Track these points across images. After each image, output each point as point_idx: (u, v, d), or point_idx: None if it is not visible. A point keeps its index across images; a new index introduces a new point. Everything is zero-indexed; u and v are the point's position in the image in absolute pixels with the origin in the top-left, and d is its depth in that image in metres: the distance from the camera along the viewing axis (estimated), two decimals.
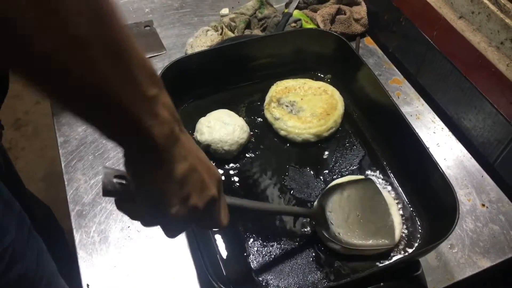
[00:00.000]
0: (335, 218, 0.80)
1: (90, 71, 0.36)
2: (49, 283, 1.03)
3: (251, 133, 0.98)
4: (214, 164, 0.92)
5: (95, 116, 0.40)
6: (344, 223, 0.80)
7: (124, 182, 0.50)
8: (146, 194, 0.48)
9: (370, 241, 0.79)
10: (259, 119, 1.02)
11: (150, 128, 0.41)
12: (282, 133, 0.97)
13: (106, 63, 0.37)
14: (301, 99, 1.01)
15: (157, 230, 0.85)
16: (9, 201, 0.89)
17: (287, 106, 0.99)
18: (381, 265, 0.78)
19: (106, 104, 0.38)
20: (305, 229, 0.83)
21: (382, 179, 0.91)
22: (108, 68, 0.37)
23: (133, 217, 0.54)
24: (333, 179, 0.90)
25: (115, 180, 0.50)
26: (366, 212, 0.82)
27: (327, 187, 0.86)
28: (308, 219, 0.83)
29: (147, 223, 0.55)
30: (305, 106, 0.99)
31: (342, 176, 0.91)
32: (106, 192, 0.50)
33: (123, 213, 0.54)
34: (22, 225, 0.95)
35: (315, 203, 0.83)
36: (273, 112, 0.98)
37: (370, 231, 0.80)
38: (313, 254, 0.80)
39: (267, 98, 1.02)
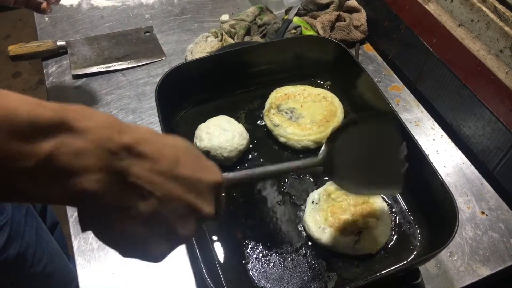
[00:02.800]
0: (343, 163, 0.69)
1: None
2: (51, 262, 1.04)
3: (251, 139, 0.97)
4: None
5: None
6: (352, 169, 0.70)
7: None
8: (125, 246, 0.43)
9: (377, 189, 0.75)
10: (259, 125, 1.02)
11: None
12: (282, 139, 0.97)
13: None
14: (301, 105, 1.01)
15: None
16: None
17: (286, 112, 0.99)
18: (380, 273, 0.78)
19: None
20: (304, 236, 0.83)
21: None
22: None
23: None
24: None
25: None
26: (378, 157, 0.72)
27: (335, 131, 0.70)
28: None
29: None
30: (305, 113, 0.99)
31: None
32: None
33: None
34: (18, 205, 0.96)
35: (322, 148, 0.70)
36: (273, 119, 0.98)
37: (379, 178, 0.72)
38: (313, 262, 0.80)
39: (267, 105, 1.03)
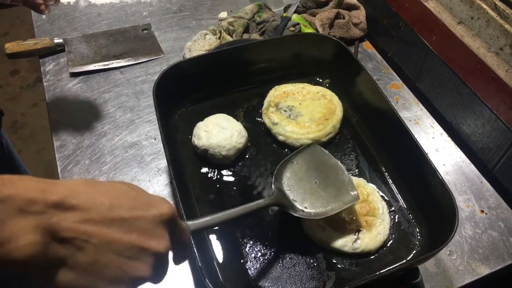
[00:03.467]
0: (296, 194, 0.78)
1: None
2: None
3: (249, 138, 0.97)
4: (210, 170, 0.92)
5: None
6: (306, 196, 0.78)
7: None
8: None
9: (337, 204, 0.78)
10: (257, 124, 1.01)
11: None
12: (281, 138, 0.96)
13: None
14: (300, 104, 1.00)
15: None
16: None
17: (285, 111, 0.99)
18: (380, 272, 0.77)
19: None
20: (303, 234, 0.83)
21: (381, 185, 0.90)
22: None
23: None
24: None
25: None
26: (322, 177, 0.82)
27: (276, 169, 0.81)
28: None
29: None
30: (304, 111, 0.99)
31: None
32: None
33: None
34: None
35: (272, 188, 0.78)
36: (271, 117, 0.98)
37: (332, 194, 0.79)
38: (311, 261, 0.79)
39: (265, 103, 1.02)
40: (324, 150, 0.86)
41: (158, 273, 0.44)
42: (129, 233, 0.41)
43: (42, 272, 0.38)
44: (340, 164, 0.85)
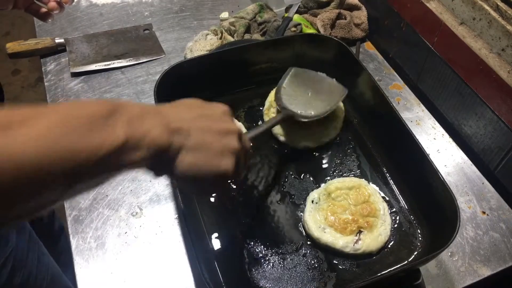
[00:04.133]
0: (299, 107, 0.93)
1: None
2: (52, 284, 1.04)
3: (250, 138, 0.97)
4: None
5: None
6: (307, 105, 0.94)
7: None
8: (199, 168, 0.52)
9: (333, 101, 0.95)
10: (259, 124, 1.01)
11: (81, 152, 0.41)
12: (282, 138, 0.96)
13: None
14: None
15: (154, 236, 0.85)
16: None
17: None
18: (381, 274, 0.77)
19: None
20: (304, 235, 0.83)
21: (382, 186, 0.90)
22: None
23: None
24: None
25: None
26: (312, 88, 0.97)
27: (274, 98, 0.96)
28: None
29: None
30: None
31: None
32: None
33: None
34: (22, 231, 0.96)
35: (270, 113, 0.97)
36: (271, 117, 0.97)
37: (327, 96, 0.96)
38: (312, 262, 0.79)
39: (267, 103, 1.02)
40: (303, 68, 1.00)
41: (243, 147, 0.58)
42: (213, 122, 0.55)
43: (170, 159, 0.50)
44: (320, 73, 1.00)
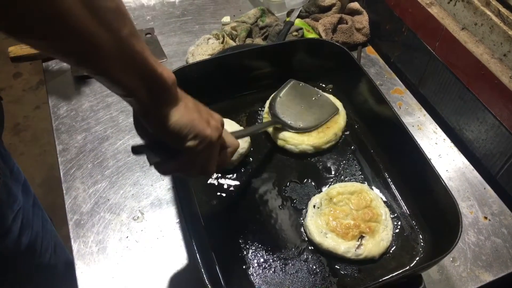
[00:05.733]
0: (289, 118, 0.97)
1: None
2: (54, 251, 1.08)
3: (252, 142, 0.97)
4: (213, 176, 0.92)
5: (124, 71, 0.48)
6: (298, 117, 0.97)
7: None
8: (178, 133, 0.56)
9: (324, 117, 0.98)
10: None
11: (162, 73, 0.51)
12: (280, 143, 0.96)
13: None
14: None
15: (155, 240, 0.85)
16: (14, 170, 0.94)
17: None
18: (382, 279, 0.77)
19: (131, 57, 0.48)
20: (306, 240, 0.83)
21: (384, 191, 0.90)
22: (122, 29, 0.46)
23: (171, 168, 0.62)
24: None
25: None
26: (306, 101, 1.01)
27: (268, 106, 1.00)
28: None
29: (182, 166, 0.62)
30: None
31: None
32: (135, 151, 0.60)
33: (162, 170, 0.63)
34: (27, 195, 1.00)
35: (269, 117, 0.98)
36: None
37: (318, 111, 0.99)
38: (314, 267, 0.79)
39: (266, 107, 1.02)
40: (301, 82, 1.04)
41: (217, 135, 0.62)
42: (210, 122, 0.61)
43: (171, 101, 0.55)
44: (316, 89, 1.04)
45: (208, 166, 0.64)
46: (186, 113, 0.57)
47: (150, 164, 0.61)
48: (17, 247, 0.94)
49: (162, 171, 0.64)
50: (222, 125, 0.64)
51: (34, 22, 0.39)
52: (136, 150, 0.60)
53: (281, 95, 1.00)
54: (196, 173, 0.64)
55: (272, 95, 1.01)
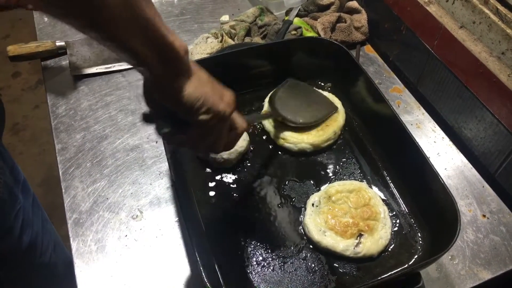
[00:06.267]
0: (289, 114, 0.96)
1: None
2: (54, 252, 1.09)
3: (250, 141, 0.97)
4: (212, 174, 0.92)
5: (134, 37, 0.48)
6: (298, 112, 0.97)
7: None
8: (191, 105, 0.55)
9: (323, 114, 0.98)
10: (259, 127, 1.01)
11: (173, 41, 0.50)
12: (279, 141, 0.96)
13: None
14: None
15: (154, 239, 0.85)
16: (14, 169, 0.94)
17: None
18: (381, 277, 0.77)
19: (143, 24, 0.47)
20: (305, 239, 0.83)
21: (382, 189, 0.90)
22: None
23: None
24: None
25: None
26: (305, 99, 1.01)
27: (268, 102, 1.01)
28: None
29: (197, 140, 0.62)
30: None
31: None
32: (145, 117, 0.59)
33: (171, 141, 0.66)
34: (27, 194, 1.00)
35: (269, 108, 0.99)
36: (271, 121, 0.98)
37: (317, 108, 0.99)
38: (313, 265, 0.79)
39: (265, 105, 1.02)
40: (300, 81, 1.05)
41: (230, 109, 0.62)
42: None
43: (183, 73, 0.54)
44: (315, 88, 1.05)
45: (217, 142, 0.63)
46: (200, 85, 0.55)
47: (159, 134, 0.59)
48: (18, 246, 0.94)
49: (171, 142, 0.63)
50: (234, 101, 0.63)
51: None
52: (146, 117, 0.59)
53: (280, 92, 1.01)
54: (204, 148, 0.63)
55: (271, 92, 1.02)
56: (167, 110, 0.57)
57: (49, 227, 1.13)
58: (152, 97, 0.57)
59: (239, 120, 0.68)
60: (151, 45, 0.49)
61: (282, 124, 0.97)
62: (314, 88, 1.06)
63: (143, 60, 0.50)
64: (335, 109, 1.00)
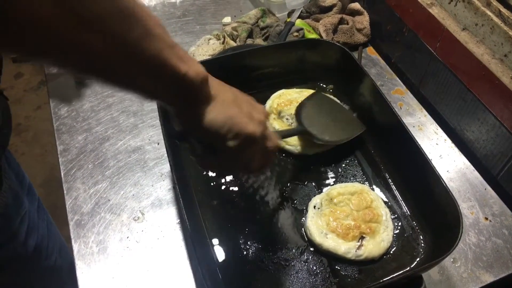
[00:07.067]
0: (315, 130, 0.92)
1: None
2: (60, 255, 1.09)
3: None
4: (214, 176, 0.92)
5: (147, 80, 0.45)
6: (324, 130, 0.93)
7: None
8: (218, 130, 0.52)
9: (349, 133, 0.95)
10: None
11: (186, 73, 0.47)
12: (282, 144, 0.96)
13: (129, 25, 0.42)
14: None
15: (155, 241, 0.85)
16: (19, 173, 0.94)
17: (287, 119, 0.99)
18: (383, 280, 0.77)
19: (149, 60, 0.44)
20: (306, 241, 0.83)
21: (384, 191, 0.90)
22: (134, 29, 0.42)
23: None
24: None
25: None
26: (332, 115, 0.98)
27: (295, 113, 0.96)
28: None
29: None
30: None
31: None
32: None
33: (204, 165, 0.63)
34: (32, 198, 1.00)
35: (296, 126, 0.95)
36: (273, 123, 0.97)
37: (344, 127, 0.96)
38: (314, 268, 0.79)
39: (267, 107, 1.02)
40: (328, 95, 1.03)
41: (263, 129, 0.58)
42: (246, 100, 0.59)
43: (202, 100, 0.52)
44: (343, 105, 1.02)
45: (253, 163, 0.59)
46: (223, 109, 0.52)
47: (191, 156, 0.57)
48: (24, 250, 0.94)
49: (202, 165, 0.61)
50: (267, 116, 0.59)
51: (21, 32, 0.36)
52: (179, 135, 0.58)
53: (307, 104, 0.97)
54: (239, 171, 0.61)
55: (299, 103, 0.98)
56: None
57: (54, 230, 1.13)
58: (179, 127, 0.55)
59: (271, 136, 0.62)
60: (160, 81, 0.46)
61: (284, 127, 0.97)
62: (343, 104, 1.02)
63: (155, 96, 0.48)
64: (363, 128, 0.96)
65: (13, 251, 0.91)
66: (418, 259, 0.80)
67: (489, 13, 0.89)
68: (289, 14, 1.29)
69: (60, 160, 0.98)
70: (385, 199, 0.88)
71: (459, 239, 0.69)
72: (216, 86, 0.54)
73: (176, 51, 0.46)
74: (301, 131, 0.91)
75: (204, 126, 0.51)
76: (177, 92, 0.48)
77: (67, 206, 0.90)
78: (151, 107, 1.08)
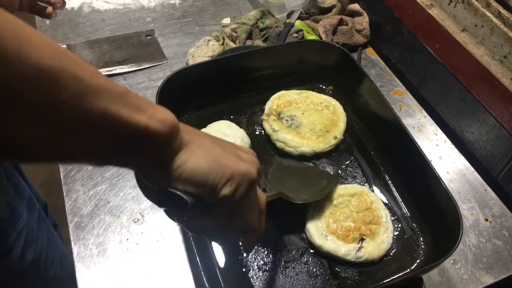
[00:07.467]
0: (290, 192, 0.81)
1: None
2: (60, 265, 1.08)
3: (251, 144, 0.97)
4: None
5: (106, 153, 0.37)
6: (296, 191, 0.83)
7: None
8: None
9: (327, 188, 0.86)
10: (260, 130, 1.01)
11: (147, 126, 0.37)
12: (279, 145, 0.96)
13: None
14: (302, 113, 1.00)
15: (155, 243, 0.85)
16: (19, 186, 0.92)
17: (287, 120, 0.99)
18: (383, 282, 0.77)
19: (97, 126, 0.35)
20: (306, 243, 0.82)
21: (384, 193, 0.90)
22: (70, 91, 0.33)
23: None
24: None
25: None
26: (300, 175, 0.92)
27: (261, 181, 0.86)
28: None
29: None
30: (305, 121, 0.98)
31: None
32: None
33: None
34: (32, 209, 0.99)
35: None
36: (272, 125, 0.97)
37: (317, 182, 0.88)
38: (314, 270, 0.79)
39: (267, 108, 1.02)
40: (283, 159, 0.96)
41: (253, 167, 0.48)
42: (233, 154, 0.48)
43: (173, 153, 0.41)
44: (305, 162, 0.95)
45: (253, 215, 0.49)
46: (204, 153, 0.42)
47: (178, 224, 0.48)
48: (20, 264, 0.91)
49: (193, 231, 0.50)
50: (255, 156, 0.50)
51: None
52: (168, 212, 0.48)
53: (270, 171, 0.89)
54: (236, 231, 0.48)
55: (263, 175, 0.87)
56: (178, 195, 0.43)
57: (55, 240, 1.10)
58: (152, 187, 0.44)
59: (258, 192, 0.53)
60: (115, 142, 0.36)
61: (284, 129, 0.97)
62: (304, 162, 0.95)
63: (113, 161, 0.39)
64: (335, 181, 0.89)
65: (8, 266, 0.89)
66: (418, 260, 0.80)
67: (488, 14, 0.89)
68: (289, 15, 1.29)
69: None
70: (385, 201, 0.88)
71: (459, 241, 0.69)
72: (189, 130, 0.43)
73: (129, 100, 0.37)
74: (280, 195, 0.80)
75: (186, 180, 0.41)
76: (142, 151, 0.39)
77: (66, 208, 0.90)
78: None
